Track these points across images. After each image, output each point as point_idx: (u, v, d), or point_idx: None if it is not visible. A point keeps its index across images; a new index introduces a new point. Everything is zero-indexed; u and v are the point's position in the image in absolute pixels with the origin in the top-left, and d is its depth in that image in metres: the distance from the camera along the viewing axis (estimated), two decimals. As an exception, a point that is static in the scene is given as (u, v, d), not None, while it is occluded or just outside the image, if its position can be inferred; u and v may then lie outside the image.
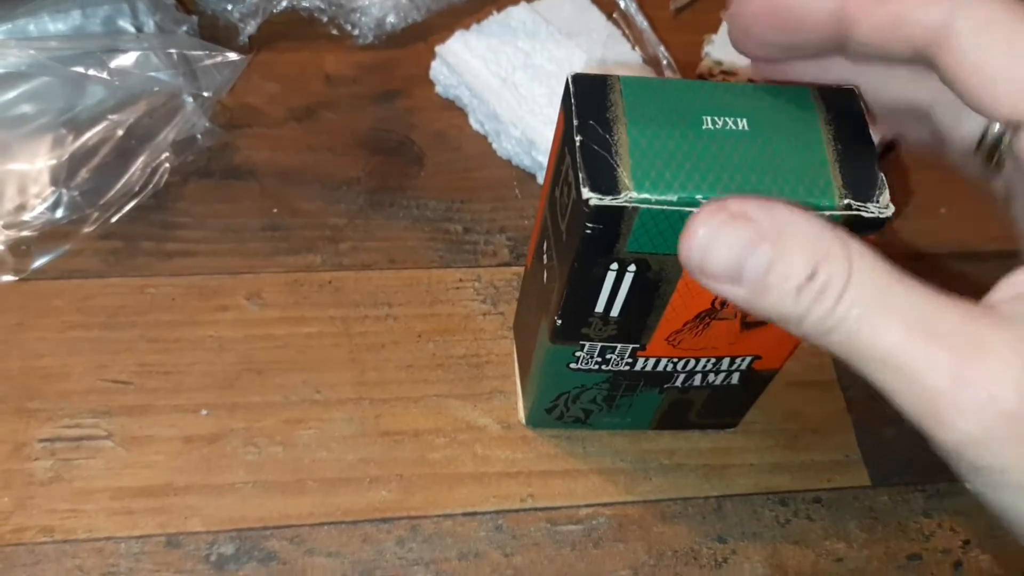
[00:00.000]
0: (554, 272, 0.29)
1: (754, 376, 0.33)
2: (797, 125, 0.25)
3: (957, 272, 0.44)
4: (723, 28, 0.49)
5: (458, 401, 0.38)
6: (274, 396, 0.37)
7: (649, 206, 0.24)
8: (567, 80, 0.25)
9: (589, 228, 0.24)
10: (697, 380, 0.33)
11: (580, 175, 0.24)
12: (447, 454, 0.37)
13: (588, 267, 0.26)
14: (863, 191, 0.25)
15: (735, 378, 0.33)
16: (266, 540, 0.34)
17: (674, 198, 0.24)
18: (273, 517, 0.35)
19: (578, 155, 0.24)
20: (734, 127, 0.25)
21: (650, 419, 0.36)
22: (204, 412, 0.36)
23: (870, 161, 0.25)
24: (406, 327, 0.39)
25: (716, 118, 0.25)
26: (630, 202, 0.24)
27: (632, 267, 0.26)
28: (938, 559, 0.36)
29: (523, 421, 0.37)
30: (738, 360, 0.32)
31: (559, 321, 0.29)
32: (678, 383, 0.33)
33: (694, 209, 0.22)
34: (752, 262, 0.20)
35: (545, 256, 0.30)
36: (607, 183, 0.24)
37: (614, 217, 0.24)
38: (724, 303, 0.28)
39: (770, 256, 0.20)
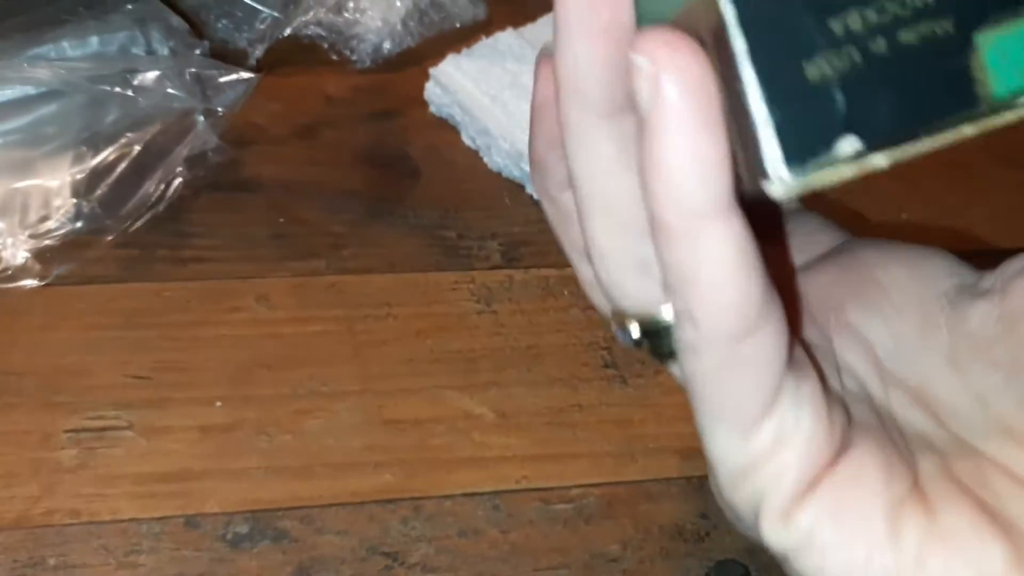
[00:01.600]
0: None
1: None
2: None
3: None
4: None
5: (456, 392, 0.41)
6: (283, 389, 0.40)
7: None
8: None
9: None
10: None
11: None
12: (446, 440, 0.39)
13: None
14: None
15: None
16: (279, 520, 0.37)
17: None
18: (285, 499, 0.37)
19: None
20: None
21: None
22: (218, 404, 0.39)
23: None
24: (405, 325, 0.42)
25: None
26: None
27: None
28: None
29: None
30: None
31: None
32: None
33: None
34: None
35: None
36: None
37: None
38: None
39: None
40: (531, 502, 0.38)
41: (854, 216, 0.49)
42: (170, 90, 0.41)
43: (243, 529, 0.36)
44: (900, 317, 0.22)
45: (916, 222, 0.49)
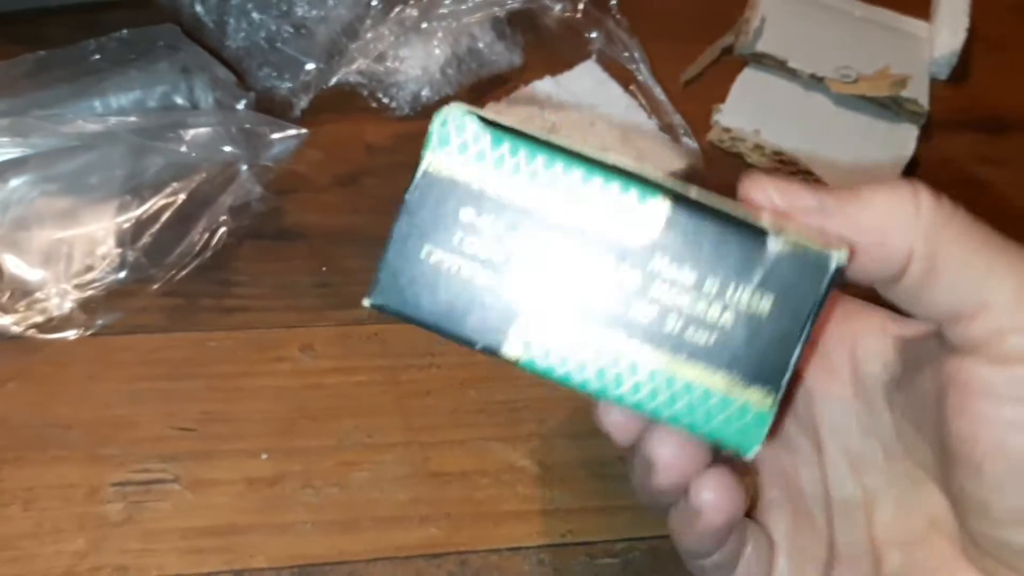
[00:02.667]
0: None
1: None
2: None
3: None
4: (731, 96, 0.53)
5: (500, 444, 0.40)
6: (329, 440, 0.40)
7: None
8: None
9: None
10: None
11: None
12: (491, 493, 0.39)
13: None
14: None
15: None
16: (325, 575, 0.36)
17: None
18: (331, 554, 0.37)
19: None
20: None
21: None
22: (264, 456, 0.39)
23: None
24: (448, 375, 0.42)
25: None
26: None
27: None
28: None
29: None
30: None
31: None
32: None
33: None
34: None
35: None
36: None
37: None
38: None
39: None
40: (577, 556, 0.38)
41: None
42: (220, 145, 0.41)
43: (291, 585, 0.36)
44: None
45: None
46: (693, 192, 0.20)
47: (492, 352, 0.20)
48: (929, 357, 0.23)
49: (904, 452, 0.25)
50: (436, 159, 0.19)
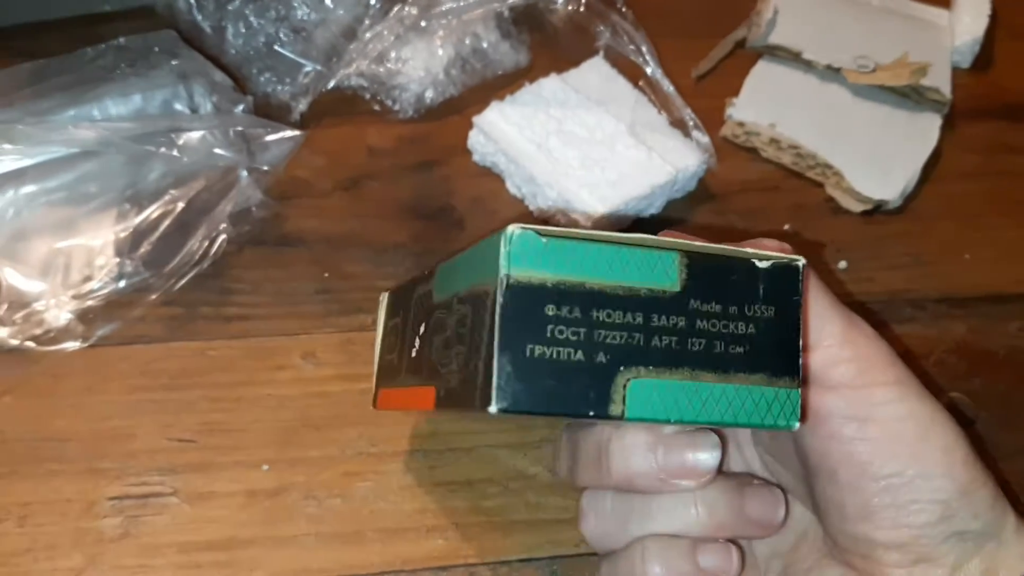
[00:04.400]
0: None
1: None
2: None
3: (983, 313, 0.45)
4: (744, 90, 0.52)
5: (508, 451, 0.39)
6: (331, 450, 0.38)
7: None
8: None
9: None
10: None
11: None
12: (500, 502, 0.38)
13: None
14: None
15: None
16: (329, 590, 0.35)
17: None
18: (335, 567, 0.36)
19: None
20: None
21: None
22: (265, 467, 0.38)
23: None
24: (455, 381, 0.41)
25: None
26: None
27: None
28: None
29: None
30: None
31: None
32: None
33: None
34: None
35: None
36: None
37: None
38: None
39: None
40: (591, 567, 0.36)
41: (914, 259, 0.47)
42: (216, 149, 0.40)
43: (292, 600, 0.35)
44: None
45: (979, 262, 0.47)
46: (694, 245, 0.25)
47: (601, 417, 0.24)
48: None
49: (769, 478, 0.31)
50: (515, 272, 0.23)
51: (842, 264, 0.47)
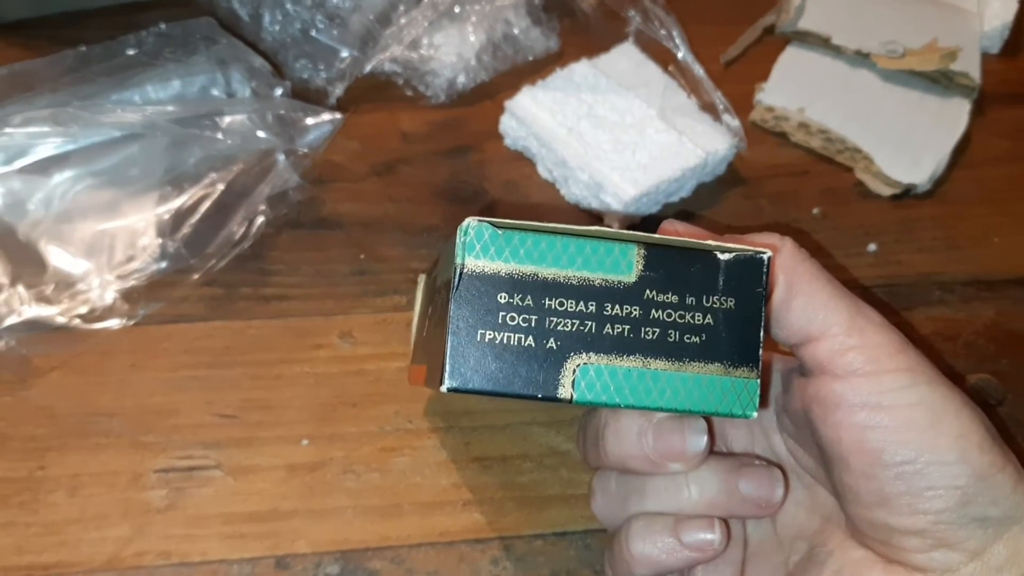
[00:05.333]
0: None
1: None
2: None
3: (1012, 295, 0.45)
4: (773, 75, 0.52)
5: (542, 428, 0.40)
6: (369, 426, 0.39)
7: None
8: None
9: None
10: None
11: None
12: (534, 478, 0.38)
13: None
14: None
15: None
16: (368, 560, 0.36)
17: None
18: (374, 539, 0.36)
19: None
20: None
21: None
22: (305, 442, 0.39)
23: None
24: (489, 360, 0.41)
25: None
26: None
27: None
28: None
29: None
30: None
31: None
32: None
33: None
34: None
35: None
36: None
37: None
38: None
39: None
40: (624, 541, 0.37)
41: (944, 243, 0.47)
42: (258, 132, 0.41)
43: (334, 570, 0.36)
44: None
45: (1009, 245, 0.48)
46: (656, 237, 0.26)
47: (550, 399, 0.25)
48: (795, 384, 0.30)
49: (795, 464, 0.32)
50: (468, 262, 0.25)
51: (872, 247, 0.47)
